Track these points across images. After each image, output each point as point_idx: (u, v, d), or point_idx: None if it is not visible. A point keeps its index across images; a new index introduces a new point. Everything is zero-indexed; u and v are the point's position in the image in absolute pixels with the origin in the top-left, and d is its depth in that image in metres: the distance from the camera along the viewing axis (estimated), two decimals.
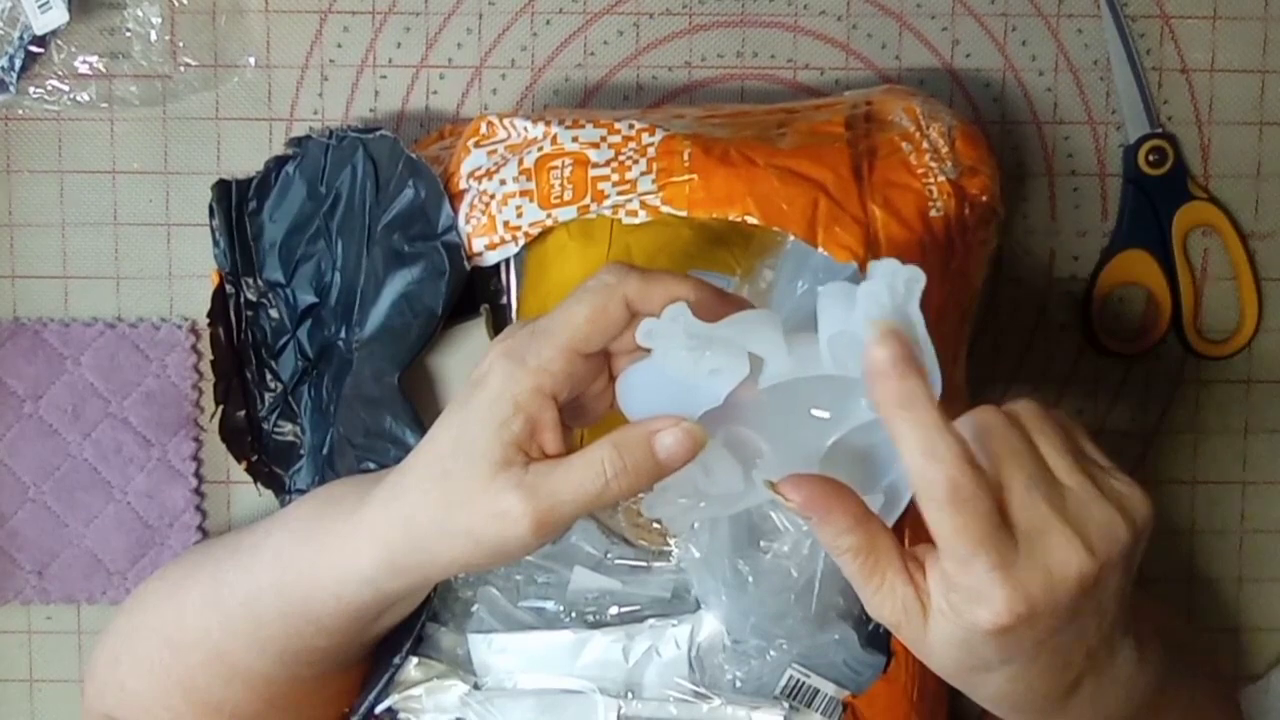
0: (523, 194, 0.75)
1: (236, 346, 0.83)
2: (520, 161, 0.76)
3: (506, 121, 0.77)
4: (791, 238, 0.73)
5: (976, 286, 0.80)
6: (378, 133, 0.79)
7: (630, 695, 0.75)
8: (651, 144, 0.75)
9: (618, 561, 0.76)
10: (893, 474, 0.61)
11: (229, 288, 0.83)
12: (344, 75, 0.86)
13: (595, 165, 0.74)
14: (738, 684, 0.75)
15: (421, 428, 0.73)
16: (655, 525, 0.75)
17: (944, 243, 0.74)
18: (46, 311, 0.87)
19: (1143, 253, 0.86)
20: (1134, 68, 0.86)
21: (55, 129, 0.86)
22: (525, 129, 0.77)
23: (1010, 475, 0.56)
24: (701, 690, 0.74)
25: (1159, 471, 0.88)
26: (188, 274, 0.87)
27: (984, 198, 0.76)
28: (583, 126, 0.76)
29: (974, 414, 0.58)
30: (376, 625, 0.71)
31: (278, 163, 0.82)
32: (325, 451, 0.81)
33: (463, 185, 0.77)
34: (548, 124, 0.76)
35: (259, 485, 0.84)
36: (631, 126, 0.75)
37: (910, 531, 0.69)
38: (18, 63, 0.84)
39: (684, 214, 0.73)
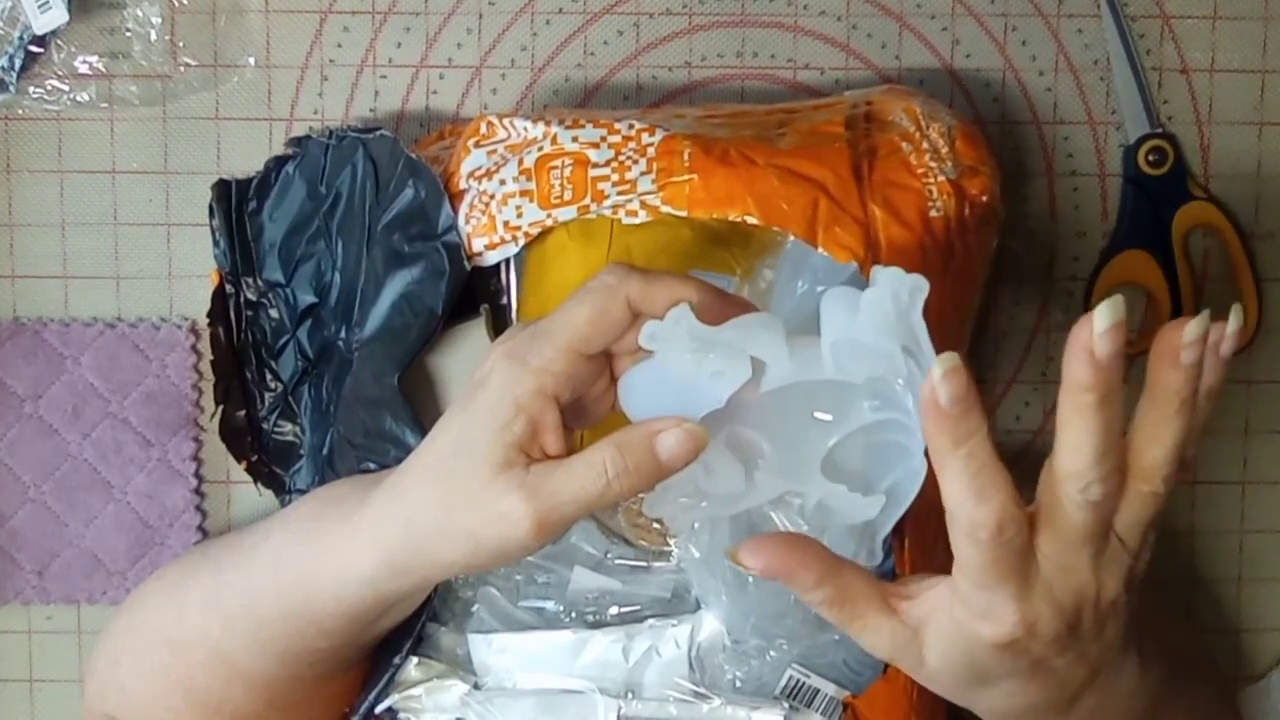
0: (523, 194, 0.75)
1: (236, 346, 0.83)
2: (520, 161, 0.76)
3: (506, 121, 0.77)
4: (791, 238, 0.73)
5: (976, 286, 0.80)
6: (378, 133, 0.79)
7: (630, 695, 0.75)
8: (651, 144, 0.75)
9: (618, 561, 0.76)
10: (894, 475, 0.61)
11: (229, 288, 0.83)
12: (344, 75, 0.86)
13: (595, 165, 0.74)
14: (738, 684, 0.75)
15: (421, 428, 0.73)
16: (655, 525, 0.75)
17: (944, 243, 0.74)
18: (46, 311, 0.87)
19: (1143, 253, 0.86)
20: (1134, 68, 0.86)
21: (55, 129, 0.86)
22: (525, 129, 0.77)
23: (1068, 534, 0.55)
24: (701, 690, 0.74)
25: None
26: (188, 274, 0.87)
27: (984, 198, 0.76)
28: (583, 126, 0.76)
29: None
30: (377, 626, 0.71)
31: (278, 163, 0.82)
32: (325, 452, 0.81)
33: (463, 185, 0.77)
34: (548, 124, 0.76)
35: (259, 485, 0.84)
36: (631, 126, 0.75)
37: (911, 532, 0.69)
38: (18, 63, 0.84)
39: (684, 214, 0.73)
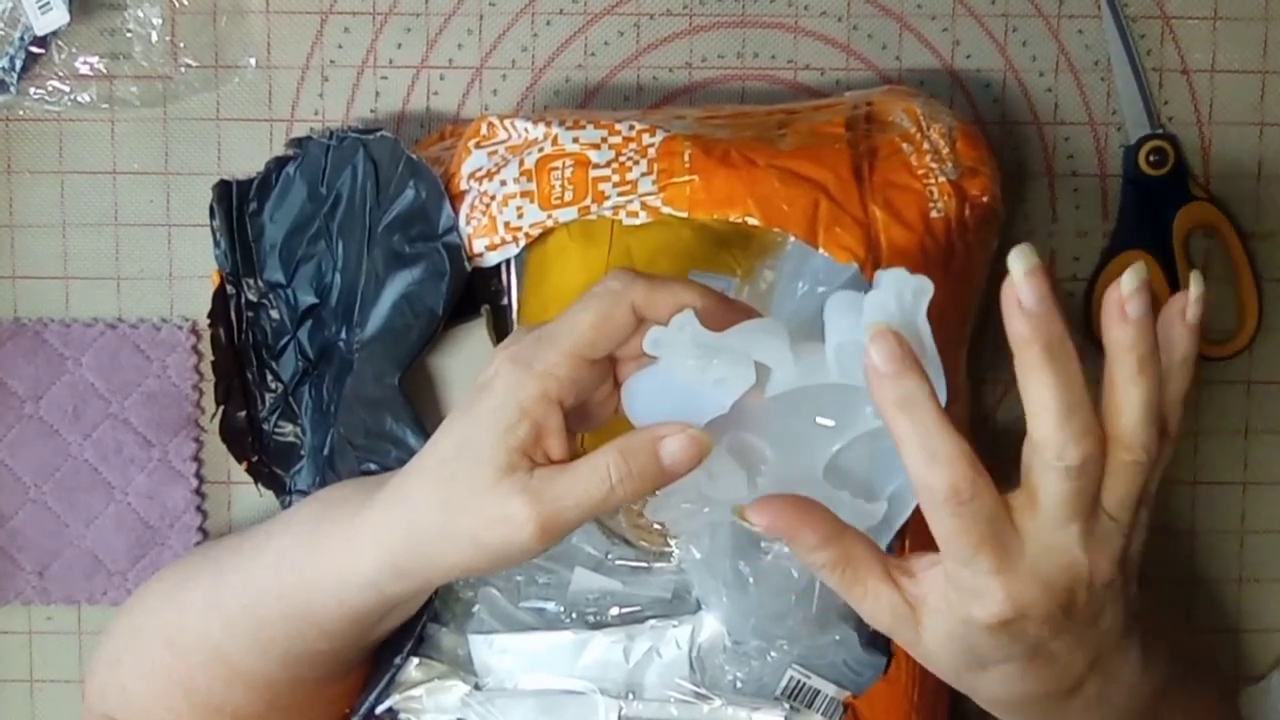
0: (523, 195, 0.75)
1: (237, 347, 0.83)
2: (521, 162, 0.76)
3: (507, 122, 0.77)
4: (792, 239, 0.73)
5: (977, 287, 0.80)
6: (378, 133, 0.79)
7: (631, 696, 0.75)
8: (652, 145, 0.75)
9: (618, 562, 0.76)
10: (897, 482, 0.61)
11: (230, 288, 0.83)
12: (344, 76, 0.86)
13: (596, 166, 0.75)
14: (738, 685, 0.75)
15: (422, 429, 0.74)
16: (656, 526, 0.76)
17: (944, 243, 0.74)
18: (47, 312, 0.87)
19: (1143, 253, 0.86)
20: (1134, 68, 0.86)
21: (56, 129, 0.86)
22: (526, 130, 0.77)
23: (1053, 509, 0.55)
24: (702, 691, 0.74)
25: None
26: (188, 274, 0.87)
27: (984, 198, 0.76)
28: (583, 127, 0.76)
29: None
30: (379, 628, 0.71)
31: (278, 163, 0.82)
32: (326, 452, 0.81)
33: (463, 186, 0.77)
34: (548, 125, 0.76)
35: (259, 486, 0.84)
36: (632, 127, 0.75)
37: (913, 537, 0.69)
38: (18, 63, 0.83)
39: (684, 215, 0.73)
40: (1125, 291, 0.53)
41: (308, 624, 0.69)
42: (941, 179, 0.75)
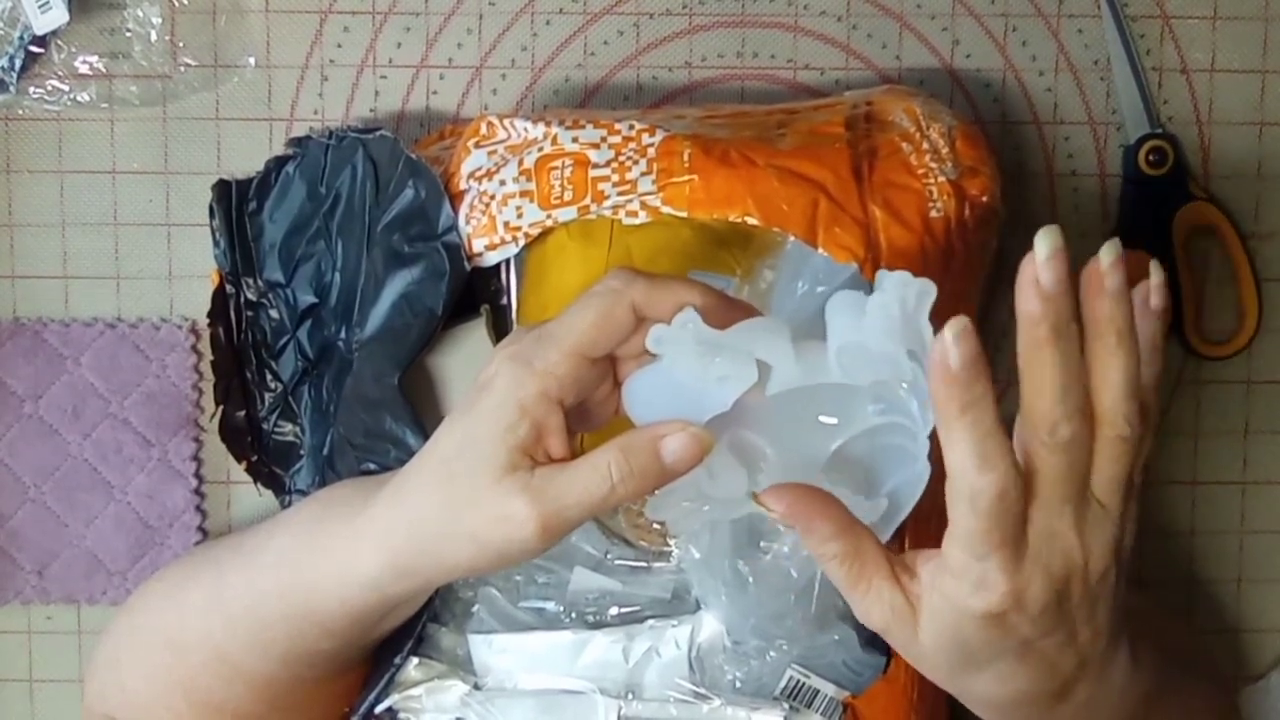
0: (523, 194, 0.75)
1: (236, 346, 0.83)
2: (520, 162, 0.76)
3: (507, 122, 0.77)
4: (791, 238, 0.73)
5: (977, 287, 0.80)
6: (378, 133, 0.79)
7: (630, 696, 0.75)
8: (651, 144, 0.75)
9: (618, 562, 0.76)
10: (897, 479, 0.61)
11: (229, 288, 0.83)
12: (344, 75, 0.86)
13: (595, 166, 0.74)
14: (738, 685, 0.75)
15: (422, 428, 0.74)
16: (656, 525, 0.76)
17: (944, 243, 0.74)
18: (47, 311, 0.87)
19: (1143, 253, 0.86)
20: (1134, 68, 0.86)
21: (55, 129, 0.86)
22: (525, 129, 0.77)
23: (1048, 489, 0.55)
24: (701, 691, 0.74)
25: (1159, 472, 0.88)
26: (188, 274, 0.87)
27: (984, 198, 0.76)
28: (583, 127, 0.76)
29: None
30: (379, 627, 0.71)
31: (278, 163, 0.82)
32: (325, 452, 0.81)
33: (463, 186, 0.77)
34: (548, 124, 0.76)
35: (259, 485, 0.84)
36: (632, 127, 0.75)
37: (912, 535, 0.69)
38: (18, 63, 0.83)
39: (684, 214, 0.73)
40: (1104, 265, 0.54)
41: (309, 624, 0.69)
42: (941, 179, 0.75)
